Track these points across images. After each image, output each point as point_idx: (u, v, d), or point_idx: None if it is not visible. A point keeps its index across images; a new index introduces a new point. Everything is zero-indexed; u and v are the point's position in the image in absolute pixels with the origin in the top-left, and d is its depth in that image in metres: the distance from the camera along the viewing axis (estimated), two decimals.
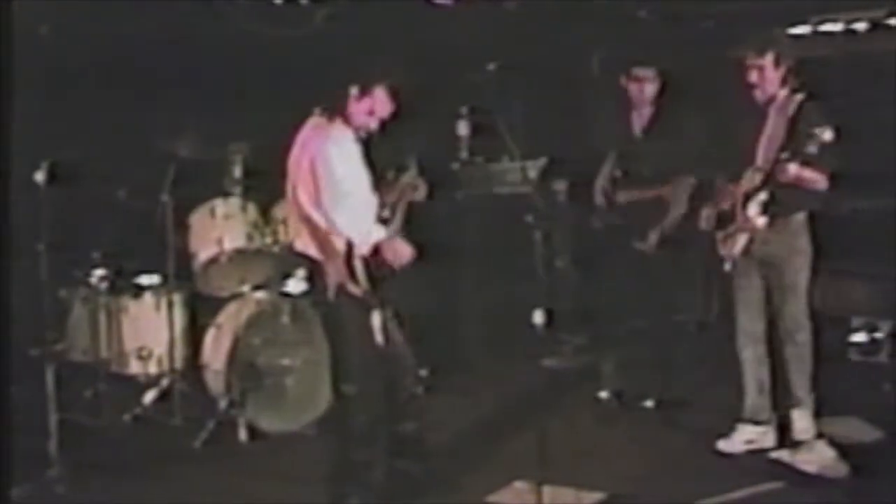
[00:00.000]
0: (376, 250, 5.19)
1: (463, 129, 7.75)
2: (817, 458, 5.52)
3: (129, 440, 6.13)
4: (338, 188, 5.06)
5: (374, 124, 5.25)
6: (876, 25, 7.42)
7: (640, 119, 6.64)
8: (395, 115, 5.51)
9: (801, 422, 5.64)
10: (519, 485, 5.37)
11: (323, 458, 5.59)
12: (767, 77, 5.60)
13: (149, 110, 6.71)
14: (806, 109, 5.51)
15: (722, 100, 6.31)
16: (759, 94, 5.64)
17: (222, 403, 6.18)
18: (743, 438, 5.77)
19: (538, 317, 5.01)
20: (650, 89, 6.53)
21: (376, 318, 5.17)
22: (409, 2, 7.64)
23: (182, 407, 6.27)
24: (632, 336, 6.82)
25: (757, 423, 5.78)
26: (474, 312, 7.65)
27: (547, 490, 4.96)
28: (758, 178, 5.55)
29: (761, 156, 5.60)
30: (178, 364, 6.29)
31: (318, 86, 7.27)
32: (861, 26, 7.50)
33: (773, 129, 5.61)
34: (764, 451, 5.70)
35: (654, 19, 7.80)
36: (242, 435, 6.14)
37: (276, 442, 6.11)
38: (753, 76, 5.61)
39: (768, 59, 5.60)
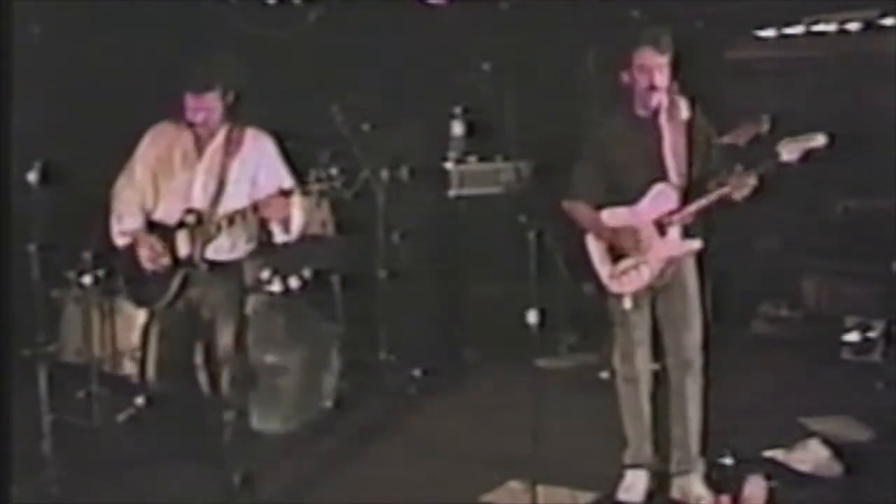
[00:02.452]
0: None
1: (457, 128, 7.76)
2: (811, 457, 5.52)
3: (122, 441, 6.13)
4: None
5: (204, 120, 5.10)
6: (869, 26, 7.44)
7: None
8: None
9: (697, 487, 5.19)
10: (513, 484, 5.38)
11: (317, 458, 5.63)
12: (662, 79, 4.95)
13: (142, 111, 6.70)
14: (697, 112, 5.08)
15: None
16: (652, 101, 4.98)
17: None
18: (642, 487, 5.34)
19: (532, 317, 5.01)
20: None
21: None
22: (403, 2, 7.64)
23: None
24: None
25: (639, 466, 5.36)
26: (468, 313, 7.65)
27: (541, 490, 4.97)
28: (674, 198, 5.01)
29: (673, 170, 5.01)
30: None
31: (317, 85, 7.33)
32: (854, 26, 7.52)
33: (672, 135, 5.02)
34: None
35: (648, 19, 7.81)
36: None
37: (271, 442, 6.09)
38: (649, 80, 4.92)
39: (666, 59, 4.95)
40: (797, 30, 7.55)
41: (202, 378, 5.25)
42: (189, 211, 5.06)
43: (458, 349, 7.54)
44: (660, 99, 4.98)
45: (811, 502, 5.17)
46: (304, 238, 6.69)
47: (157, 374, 5.92)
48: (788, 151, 4.89)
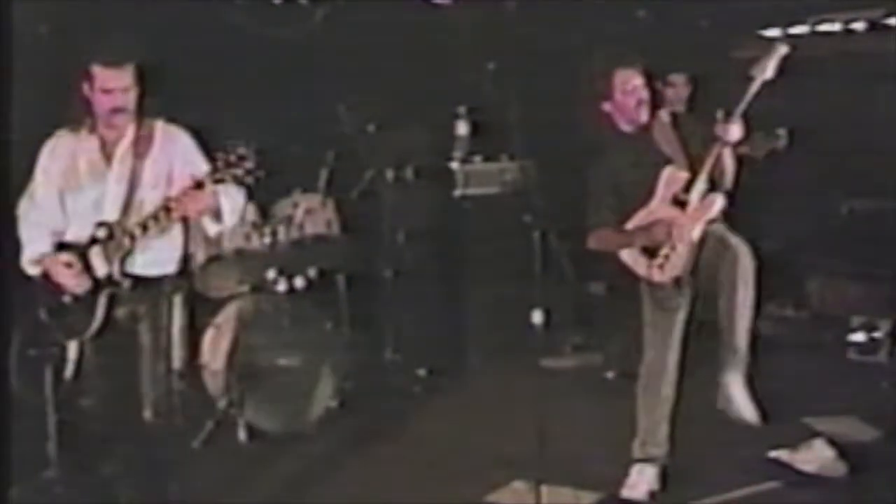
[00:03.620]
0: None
1: (461, 128, 7.76)
2: (816, 457, 5.51)
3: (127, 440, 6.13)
4: None
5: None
6: (874, 25, 7.43)
7: None
8: None
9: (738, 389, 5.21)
10: (518, 485, 5.39)
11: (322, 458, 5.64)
12: (644, 94, 5.21)
13: (147, 110, 6.70)
14: (681, 120, 5.35)
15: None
16: (641, 116, 5.20)
17: (221, 404, 6.17)
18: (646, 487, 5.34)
19: (536, 317, 5.01)
20: (683, 92, 6.81)
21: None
22: (409, 1, 7.64)
23: (181, 407, 6.26)
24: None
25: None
26: (473, 312, 7.65)
27: (546, 490, 4.97)
28: (683, 176, 5.16)
29: (674, 156, 5.19)
30: (177, 364, 6.28)
31: (320, 85, 7.34)
32: (859, 26, 7.51)
33: (663, 135, 5.23)
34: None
35: (653, 19, 7.81)
36: (242, 435, 6.13)
37: (276, 442, 6.10)
38: (636, 98, 5.17)
39: (641, 76, 5.21)
40: (802, 30, 7.54)
41: (148, 410, 4.75)
42: (100, 224, 4.60)
43: (463, 349, 7.54)
44: (647, 113, 5.23)
45: (816, 503, 5.16)
46: (309, 238, 6.75)
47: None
48: (762, 70, 5.08)
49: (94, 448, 5.04)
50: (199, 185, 4.51)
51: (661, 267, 5.20)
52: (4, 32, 5.07)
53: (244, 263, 6.50)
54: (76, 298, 4.63)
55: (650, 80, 5.27)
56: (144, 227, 4.56)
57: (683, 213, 5.17)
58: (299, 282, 6.48)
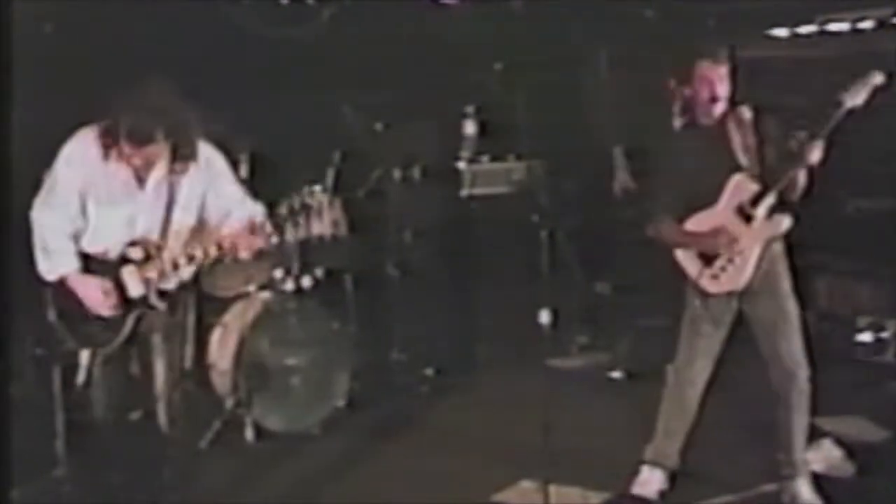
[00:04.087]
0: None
1: (469, 128, 7.76)
2: (824, 457, 5.51)
3: (135, 439, 6.14)
4: None
5: None
6: (882, 24, 7.41)
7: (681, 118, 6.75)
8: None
9: (805, 492, 5.13)
10: (525, 484, 5.39)
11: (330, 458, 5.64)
12: (723, 90, 5.01)
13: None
14: (763, 116, 5.10)
15: None
16: (715, 111, 5.03)
17: (229, 403, 6.17)
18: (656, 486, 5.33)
19: (544, 316, 5.01)
20: None
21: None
22: (415, 1, 7.65)
23: (189, 407, 6.27)
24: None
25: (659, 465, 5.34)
26: (480, 312, 7.65)
27: (553, 489, 4.97)
28: (752, 186, 4.99)
29: (746, 164, 5.03)
30: (185, 364, 6.29)
31: (327, 85, 7.34)
32: (867, 25, 7.49)
33: (740, 138, 5.05)
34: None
35: (661, 18, 7.81)
36: (249, 435, 6.14)
37: (283, 442, 6.11)
38: (710, 91, 4.97)
39: (724, 70, 5.02)
40: (810, 29, 7.53)
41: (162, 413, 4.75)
42: (133, 244, 4.55)
43: (471, 348, 7.54)
44: (722, 108, 5.02)
45: (824, 503, 5.15)
46: (316, 237, 6.74)
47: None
48: (852, 96, 4.87)
49: (104, 448, 5.02)
50: (253, 229, 4.59)
51: (715, 277, 5.07)
52: (4, 32, 5.05)
53: (252, 263, 6.49)
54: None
55: (734, 74, 5.03)
56: (190, 258, 4.57)
57: (748, 227, 5.01)
58: (306, 281, 6.49)
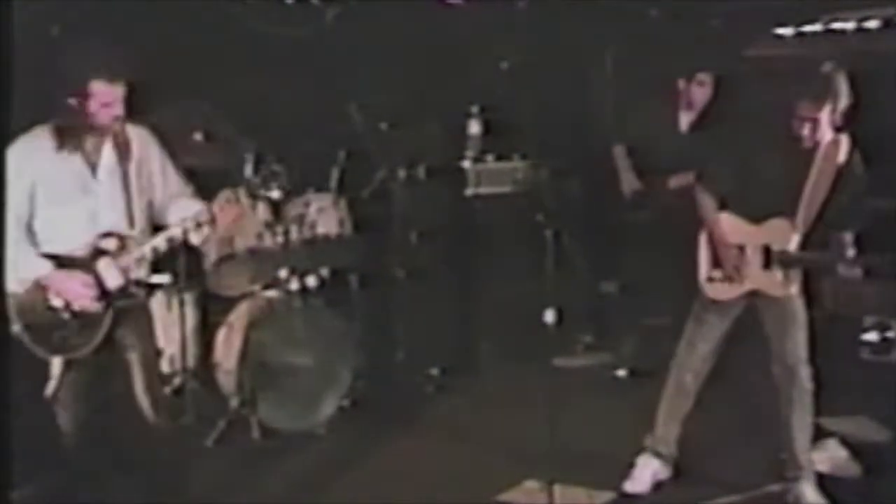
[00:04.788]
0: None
1: (474, 127, 7.76)
2: (829, 457, 5.51)
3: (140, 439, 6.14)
4: None
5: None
6: (888, 24, 7.40)
7: (687, 118, 6.83)
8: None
9: (809, 494, 5.16)
10: (530, 484, 5.38)
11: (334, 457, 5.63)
12: (821, 127, 4.93)
13: (158, 110, 6.71)
14: (855, 159, 5.05)
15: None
16: (807, 140, 4.97)
17: (234, 402, 6.17)
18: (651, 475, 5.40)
19: (549, 316, 5.01)
20: (708, 92, 6.81)
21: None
22: (421, 1, 7.65)
23: (194, 406, 6.28)
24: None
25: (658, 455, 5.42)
26: (485, 311, 7.65)
27: (558, 489, 4.96)
28: (792, 239, 5.01)
29: (802, 212, 4.99)
30: (190, 363, 6.30)
31: (332, 84, 7.34)
32: (873, 24, 7.48)
33: (817, 176, 4.99)
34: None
35: (667, 18, 7.80)
36: (255, 433, 6.14)
37: (288, 441, 6.11)
38: (805, 129, 4.91)
39: (825, 111, 4.90)
40: (815, 28, 7.51)
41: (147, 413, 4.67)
42: (106, 235, 4.49)
43: (476, 348, 7.54)
44: (819, 138, 4.97)
45: (829, 503, 5.15)
46: (321, 237, 6.75)
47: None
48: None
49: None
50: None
51: (711, 281, 5.18)
52: (4, 33, 5.04)
53: (257, 262, 6.51)
54: (73, 314, 4.46)
55: (833, 109, 4.90)
56: (170, 240, 4.54)
57: (760, 270, 5.07)
58: (312, 281, 6.48)
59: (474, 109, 7.72)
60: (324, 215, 6.74)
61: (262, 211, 6.44)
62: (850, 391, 6.12)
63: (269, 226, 6.44)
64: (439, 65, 7.70)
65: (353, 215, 6.98)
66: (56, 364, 4.63)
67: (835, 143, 5.01)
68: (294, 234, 6.51)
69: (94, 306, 4.49)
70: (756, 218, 5.10)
